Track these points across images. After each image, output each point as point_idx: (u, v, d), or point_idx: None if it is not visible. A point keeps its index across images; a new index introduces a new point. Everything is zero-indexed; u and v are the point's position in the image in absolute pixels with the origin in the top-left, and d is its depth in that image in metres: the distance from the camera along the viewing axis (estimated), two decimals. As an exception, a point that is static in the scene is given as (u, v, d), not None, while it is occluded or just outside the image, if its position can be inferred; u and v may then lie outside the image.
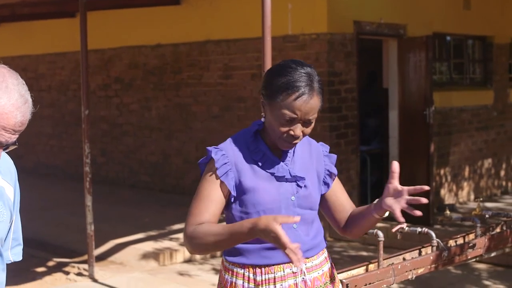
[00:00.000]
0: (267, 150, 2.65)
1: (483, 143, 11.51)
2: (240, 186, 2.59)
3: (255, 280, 2.60)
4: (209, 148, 2.64)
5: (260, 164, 2.62)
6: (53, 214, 9.66)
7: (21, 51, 13.69)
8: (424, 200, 2.38)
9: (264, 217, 2.29)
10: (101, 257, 7.84)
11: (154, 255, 7.81)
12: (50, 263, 7.73)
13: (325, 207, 2.83)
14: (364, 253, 8.19)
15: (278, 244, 2.23)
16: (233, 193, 2.60)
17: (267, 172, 2.63)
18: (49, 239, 8.59)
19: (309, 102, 2.52)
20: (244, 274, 2.62)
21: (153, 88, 11.49)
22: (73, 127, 12.86)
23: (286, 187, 2.64)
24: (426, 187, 2.41)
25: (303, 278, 2.64)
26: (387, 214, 2.58)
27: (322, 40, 8.98)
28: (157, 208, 10.09)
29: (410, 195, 2.48)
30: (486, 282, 7.13)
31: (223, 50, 10.31)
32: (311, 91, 2.52)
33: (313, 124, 2.60)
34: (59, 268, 7.56)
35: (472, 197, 11.25)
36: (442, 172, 10.60)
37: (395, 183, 2.48)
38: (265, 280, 2.60)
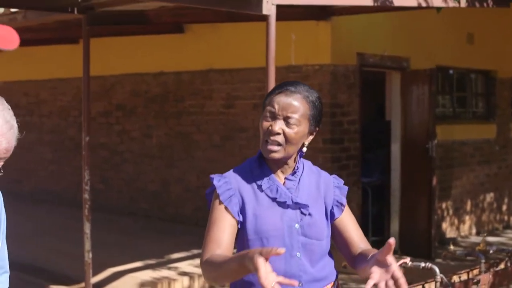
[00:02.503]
0: (270, 174, 2.63)
1: (485, 177, 11.46)
2: (244, 212, 2.57)
3: None
4: (212, 176, 2.64)
5: (263, 188, 2.59)
6: (49, 241, 9.56)
7: (23, 76, 13.66)
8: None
9: (252, 250, 2.24)
10: (98, 285, 7.73)
11: (152, 284, 7.72)
12: (47, 291, 7.65)
13: (334, 237, 2.77)
14: (364, 286, 8.09)
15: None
16: (238, 218, 2.57)
17: (269, 197, 2.59)
18: (45, 265, 8.50)
19: (288, 98, 2.55)
20: None
21: (155, 116, 11.46)
22: (73, 153, 12.82)
23: (290, 215, 2.59)
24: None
25: None
26: None
27: (325, 71, 8.98)
28: (156, 237, 10.00)
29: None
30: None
31: (226, 79, 10.29)
32: (294, 93, 2.56)
33: (296, 128, 2.55)
34: (55, 295, 7.49)
35: (473, 231, 11.18)
36: (443, 205, 10.54)
37: (387, 257, 2.35)
38: None
